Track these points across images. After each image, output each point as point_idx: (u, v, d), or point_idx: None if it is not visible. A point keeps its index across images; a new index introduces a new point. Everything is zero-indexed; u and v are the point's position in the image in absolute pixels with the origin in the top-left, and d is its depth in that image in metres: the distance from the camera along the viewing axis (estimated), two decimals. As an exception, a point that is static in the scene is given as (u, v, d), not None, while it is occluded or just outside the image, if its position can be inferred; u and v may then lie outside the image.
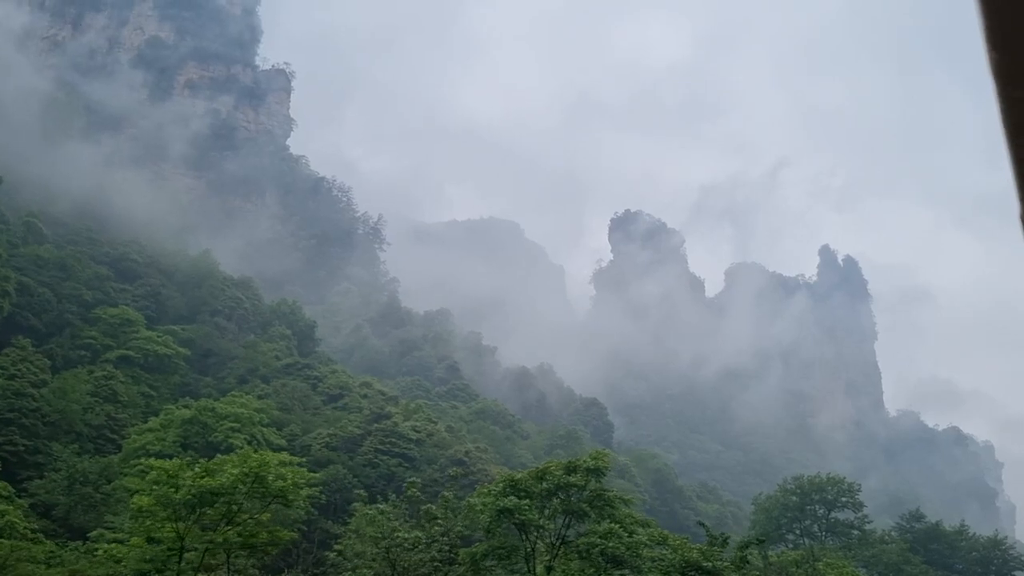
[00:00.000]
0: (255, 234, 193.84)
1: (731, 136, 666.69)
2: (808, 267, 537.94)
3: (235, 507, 35.93)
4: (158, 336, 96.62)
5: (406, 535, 35.29)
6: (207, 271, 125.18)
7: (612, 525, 33.06)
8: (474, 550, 34.38)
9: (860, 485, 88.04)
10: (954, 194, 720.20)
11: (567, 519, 35.65)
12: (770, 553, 57.03)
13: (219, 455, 67.49)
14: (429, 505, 41.57)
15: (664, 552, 33.65)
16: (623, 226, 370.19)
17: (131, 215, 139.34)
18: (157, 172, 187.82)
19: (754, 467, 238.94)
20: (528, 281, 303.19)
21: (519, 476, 36.06)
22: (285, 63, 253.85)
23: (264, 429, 77.98)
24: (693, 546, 34.36)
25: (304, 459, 76.26)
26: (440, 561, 35.15)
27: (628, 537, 32.92)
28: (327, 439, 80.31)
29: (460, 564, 34.34)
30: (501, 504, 33.03)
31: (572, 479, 34.71)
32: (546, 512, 35.17)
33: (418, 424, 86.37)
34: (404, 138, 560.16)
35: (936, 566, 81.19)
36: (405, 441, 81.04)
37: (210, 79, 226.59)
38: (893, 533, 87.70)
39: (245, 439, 72.34)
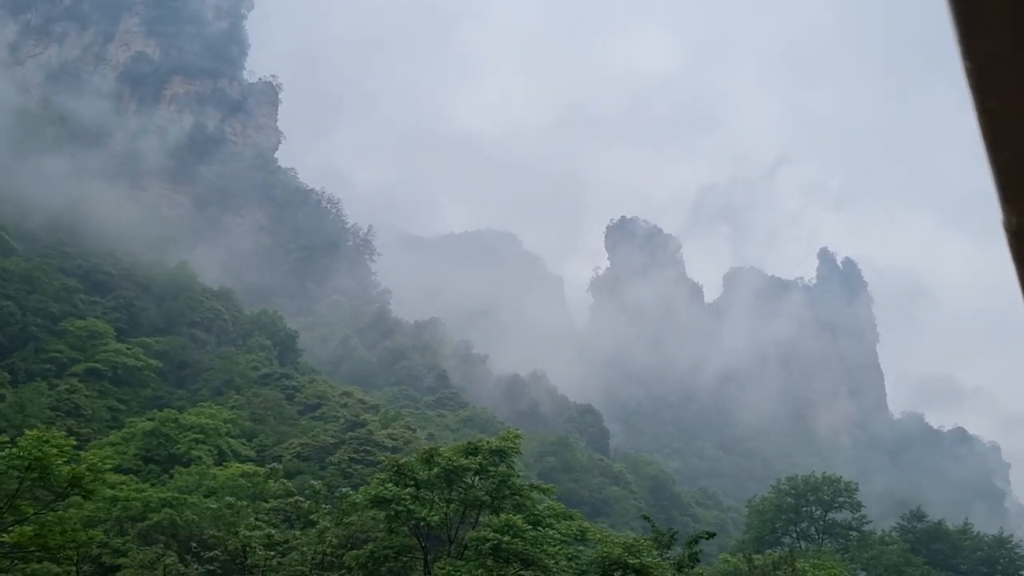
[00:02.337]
0: (242, 247, 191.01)
1: (725, 144, 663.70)
2: (807, 270, 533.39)
3: (10, 501, 31.06)
4: (128, 348, 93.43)
5: (249, 532, 31.28)
6: (185, 283, 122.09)
7: (511, 517, 28.03)
8: (359, 553, 29.96)
9: (857, 484, 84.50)
10: (951, 191, 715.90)
11: (467, 512, 30.89)
12: (756, 556, 53.61)
13: (179, 467, 65.03)
14: (297, 497, 37.70)
15: (582, 549, 29.50)
16: (619, 232, 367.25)
17: (111, 228, 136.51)
18: (141, 185, 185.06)
19: (757, 472, 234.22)
20: (526, 291, 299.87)
21: (404, 460, 31.69)
22: (272, 76, 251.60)
23: (231, 440, 74.89)
24: (617, 541, 29.82)
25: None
26: (308, 567, 30.96)
27: (532, 531, 27.82)
28: (299, 449, 77.10)
29: (348, 570, 29.87)
30: (375, 493, 28.66)
31: (466, 462, 29.80)
32: (451, 505, 30.37)
33: (395, 432, 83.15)
34: (398, 150, 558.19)
35: (939, 567, 77.51)
36: (381, 449, 77.63)
37: (196, 93, 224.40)
38: (894, 534, 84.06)
39: (209, 450, 69.39)
